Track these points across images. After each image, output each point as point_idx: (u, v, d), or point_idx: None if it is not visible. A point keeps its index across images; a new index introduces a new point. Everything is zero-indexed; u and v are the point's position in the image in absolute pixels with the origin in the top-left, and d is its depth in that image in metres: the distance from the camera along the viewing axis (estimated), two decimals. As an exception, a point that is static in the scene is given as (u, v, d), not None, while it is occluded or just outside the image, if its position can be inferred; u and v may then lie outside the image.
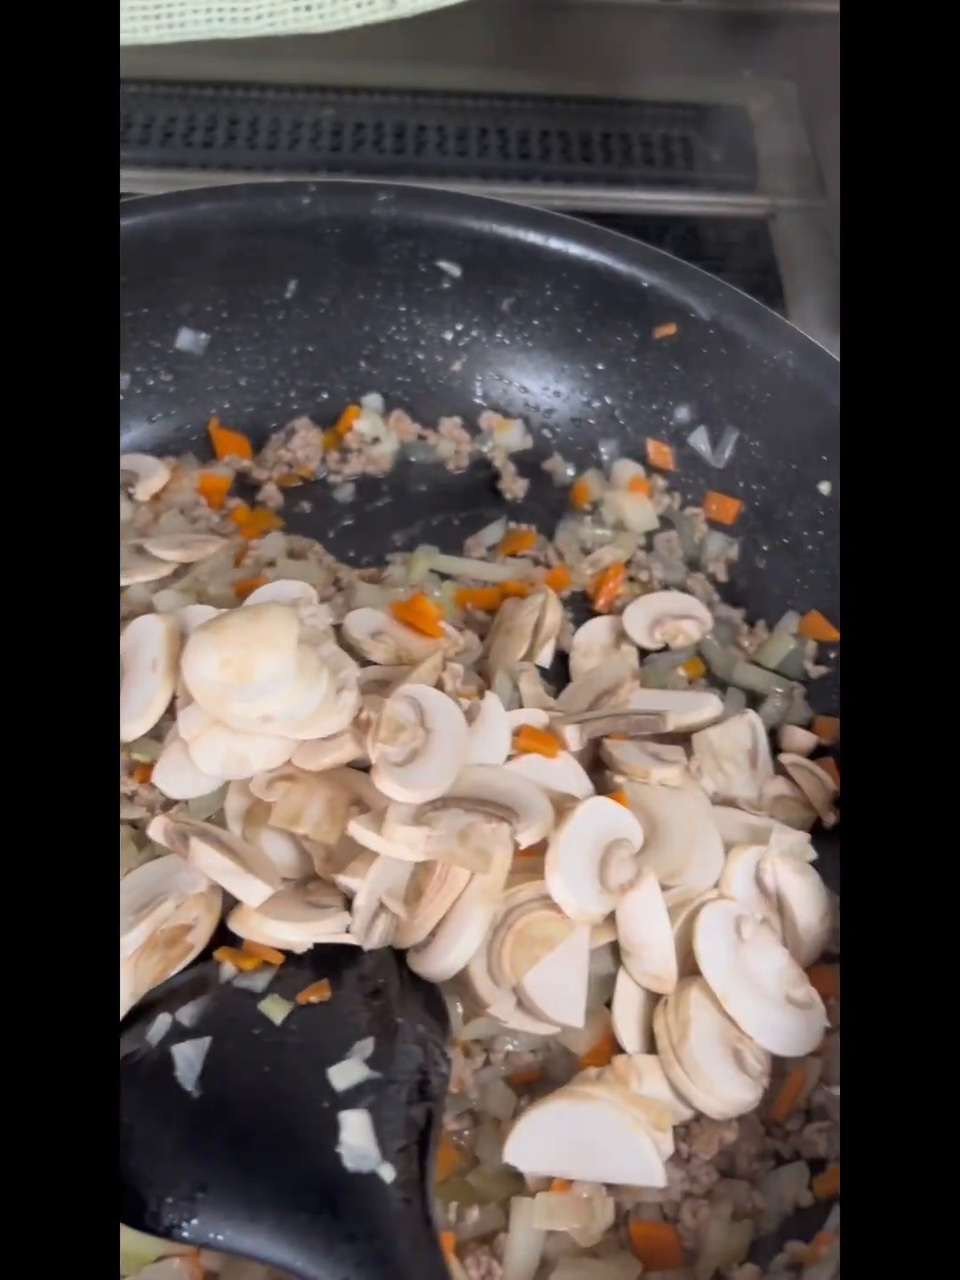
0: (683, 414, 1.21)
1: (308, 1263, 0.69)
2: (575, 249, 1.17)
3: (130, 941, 0.81)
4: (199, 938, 0.85)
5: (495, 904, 0.84)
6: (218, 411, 1.27)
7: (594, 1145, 0.82)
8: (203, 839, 0.84)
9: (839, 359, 1.08)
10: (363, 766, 0.90)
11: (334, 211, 1.19)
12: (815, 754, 1.07)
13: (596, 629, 1.14)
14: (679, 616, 1.14)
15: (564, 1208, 0.81)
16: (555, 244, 1.17)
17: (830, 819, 1.02)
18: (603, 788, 0.96)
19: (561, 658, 1.12)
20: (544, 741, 0.94)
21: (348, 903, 0.85)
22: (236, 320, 1.25)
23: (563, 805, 0.89)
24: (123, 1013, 0.81)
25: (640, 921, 0.87)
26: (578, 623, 1.15)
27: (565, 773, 0.94)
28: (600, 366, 1.24)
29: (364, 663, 0.97)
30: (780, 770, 1.05)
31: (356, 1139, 0.72)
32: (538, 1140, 0.83)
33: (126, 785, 0.91)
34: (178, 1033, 0.78)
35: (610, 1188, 0.83)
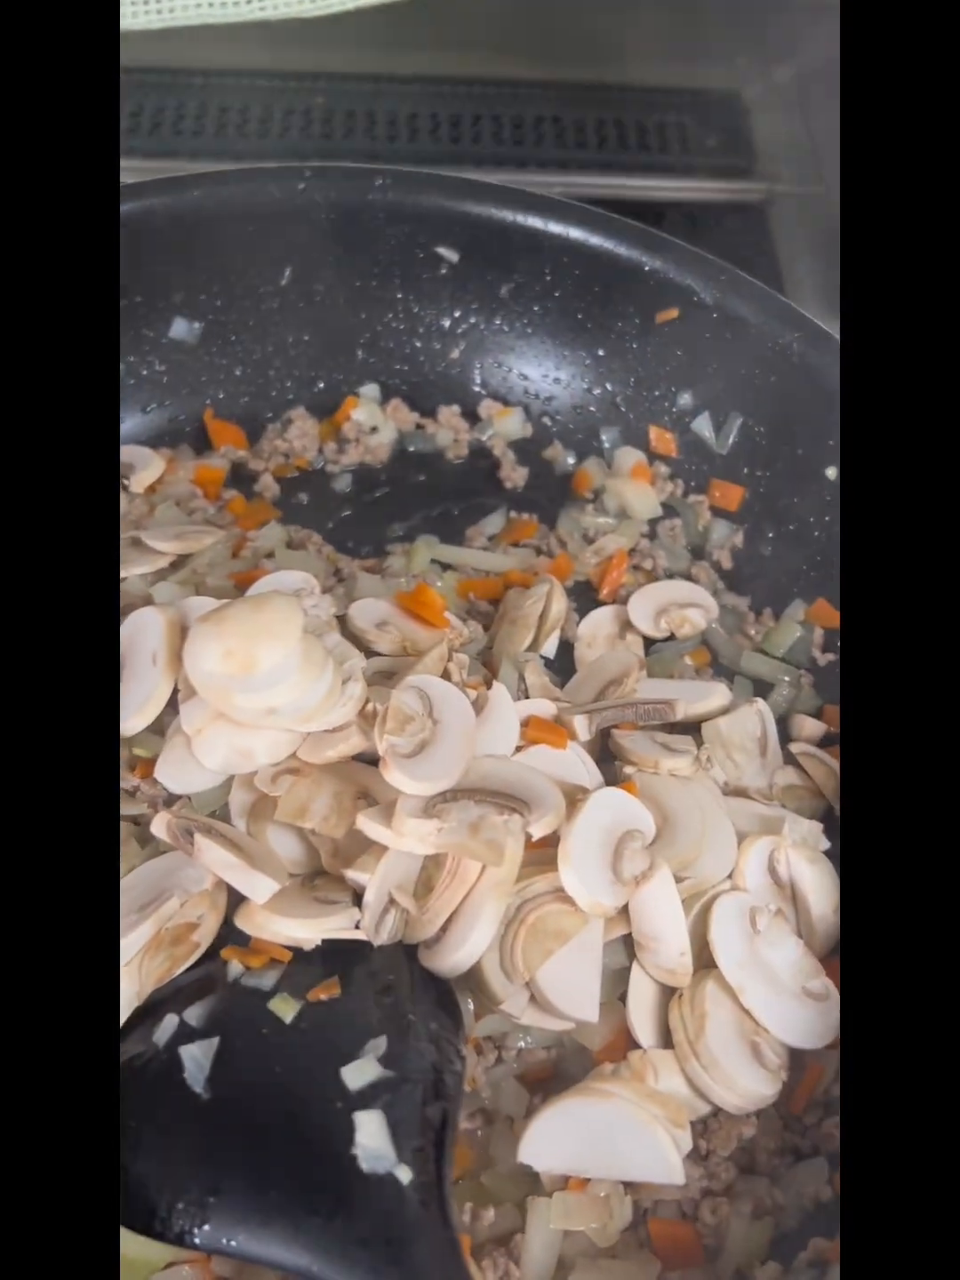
0: (686, 400, 1.19)
1: (324, 1268, 0.67)
2: (576, 233, 1.15)
3: (134, 940, 0.79)
4: (204, 936, 0.83)
5: (507, 897, 0.83)
6: (212, 402, 1.25)
7: (611, 1143, 0.80)
8: (207, 835, 0.82)
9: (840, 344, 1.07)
10: (369, 759, 0.88)
11: (330, 197, 1.17)
12: (824, 742, 1.06)
13: (601, 618, 1.13)
14: (684, 605, 1.12)
15: (581, 1207, 0.80)
16: (556, 228, 1.16)
17: (842, 808, 1.01)
18: (612, 778, 0.94)
19: (566, 648, 1.11)
20: (553, 732, 0.92)
21: (356, 898, 0.83)
22: (231, 309, 1.23)
23: (573, 796, 0.88)
24: (127, 1014, 0.79)
25: (654, 914, 0.85)
26: (582, 612, 1.13)
27: (574, 763, 0.92)
28: (601, 352, 1.22)
29: (369, 653, 0.95)
30: (790, 759, 1.04)
31: (372, 1140, 0.70)
32: (553, 1139, 0.81)
33: (127, 781, 0.89)
34: (185, 1033, 0.76)
35: (628, 1186, 0.81)
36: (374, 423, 1.25)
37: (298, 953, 0.81)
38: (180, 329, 1.22)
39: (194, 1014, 0.78)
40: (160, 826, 0.84)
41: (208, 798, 0.89)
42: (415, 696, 0.87)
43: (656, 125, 1.65)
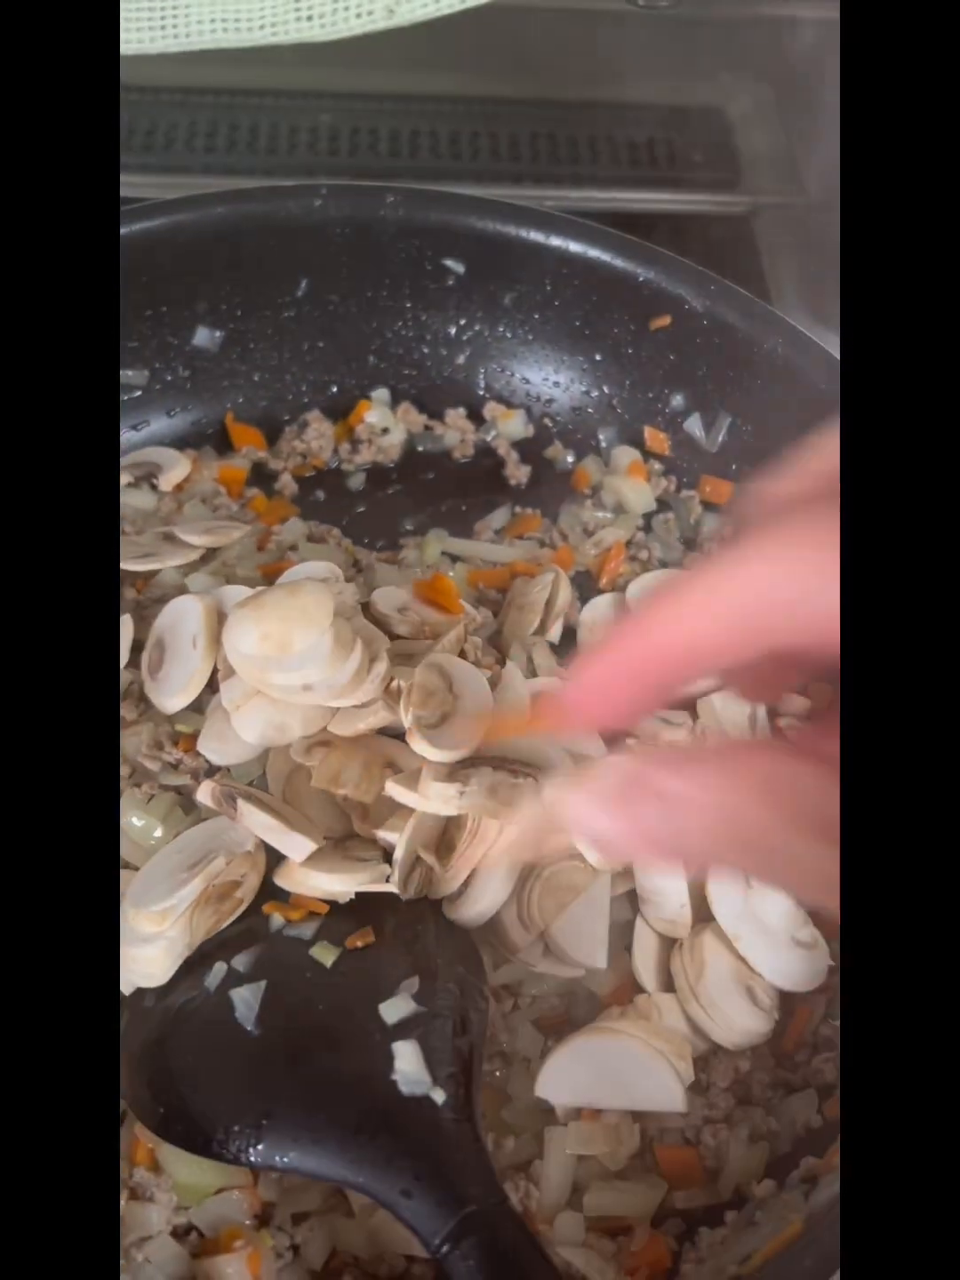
0: (678, 401, 1.28)
1: (369, 1178, 0.75)
2: (575, 246, 1.23)
3: (185, 896, 0.86)
4: (247, 892, 0.91)
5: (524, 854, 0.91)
6: (233, 405, 1.33)
7: (620, 1076, 0.88)
8: (248, 800, 0.90)
9: (839, 356, 1.15)
10: (391, 733, 0.96)
11: (344, 213, 1.25)
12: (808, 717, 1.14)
13: (602, 605, 1.20)
14: (679, 592, 1.20)
15: (594, 1134, 0.88)
16: (556, 242, 1.23)
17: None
18: (613, 748, 1.02)
19: (569, 632, 1.18)
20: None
21: (385, 856, 0.91)
22: (250, 318, 1.30)
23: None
24: (179, 963, 0.87)
25: (657, 870, 0.94)
26: (583, 599, 1.21)
27: (581, 736, 1.00)
28: (598, 357, 1.31)
29: (391, 636, 1.03)
30: (777, 733, 1.12)
31: (409, 1066, 0.78)
32: (567, 1074, 0.89)
33: (171, 754, 0.97)
34: (234, 978, 0.84)
35: (636, 1115, 0.89)
36: (385, 424, 1.33)
37: (334, 906, 0.89)
38: (203, 337, 1.30)
39: (241, 961, 0.85)
40: (206, 794, 0.91)
41: (246, 768, 0.96)
42: (437, 674, 0.95)
43: (645, 141, 1.74)
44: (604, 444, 1.32)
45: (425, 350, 1.35)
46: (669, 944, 0.95)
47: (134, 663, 1.03)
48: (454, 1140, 0.76)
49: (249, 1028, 0.81)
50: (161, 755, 0.96)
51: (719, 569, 0.55)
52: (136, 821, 0.94)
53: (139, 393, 1.29)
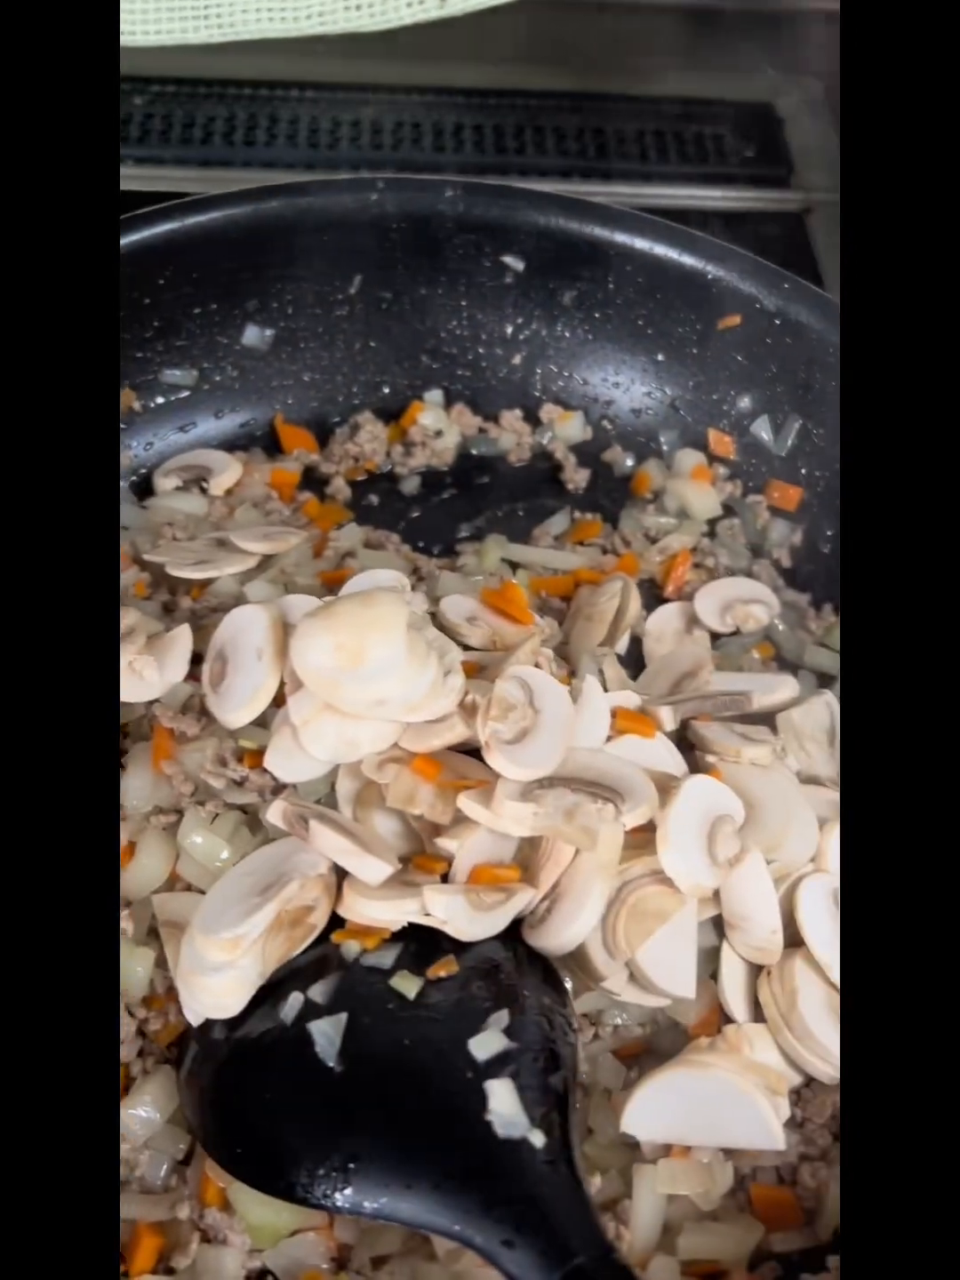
0: (745, 403, 1.24)
1: (466, 1226, 0.70)
2: (641, 243, 1.19)
3: (258, 921, 0.82)
4: (320, 918, 0.86)
5: (612, 881, 0.87)
6: (282, 406, 1.29)
7: (712, 1111, 0.84)
8: (321, 821, 0.86)
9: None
10: (463, 749, 0.92)
11: (401, 207, 1.21)
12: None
13: (668, 614, 1.17)
14: (748, 601, 1.17)
15: (686, 1173, 0.83)
16: (622, 238, 1.20)
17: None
18: (693, 767, 0.98)
19: (633, 643, 1.14)
20: (640, 723, 0.96)
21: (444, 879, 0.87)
22: (301, 316, 1.26)
23: (664, 784, 0.92)
24: (251, 992, 0.83)
25: (746, 895, 0.89)
26: (647, 609, 1.17)
27: (662, 753, 0.96)
28: (661, 358, 1.27)
29: (463, 647, 0.99)
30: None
31: (505, 1107, 0.74)
32: (655, 1109, 0.85)
33: (236, 771, 0.92)
34: (312, 1010, 0.80)
35: (728, 1153, 0.85)
36: (439, 426, 1.29)
37: (414, 932, 0.85)
38: (252, 336, 1.26)
39: (318, 992, 0.81)
40: (276, 814, 0.87)
41: (313, 786, 0.92)
42: (517, 686, 0.91)
43: (694, 136, 1.70)
44: (665, 447, 1.28)
45: (480, 350, 1.31)
46: (757, 971, 0.91)
47: (194, 675, 0.99)
48: (555, 1186, 0.72)
49: (330, 1063, 0.77)
50: (226, 772, 0.92)
51: None
52: (199, 840, 0.90)
53: (187, 393, 1.25)
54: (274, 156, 1.60)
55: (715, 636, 1.16)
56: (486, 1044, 0.77)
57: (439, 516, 1.25)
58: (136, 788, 0.94)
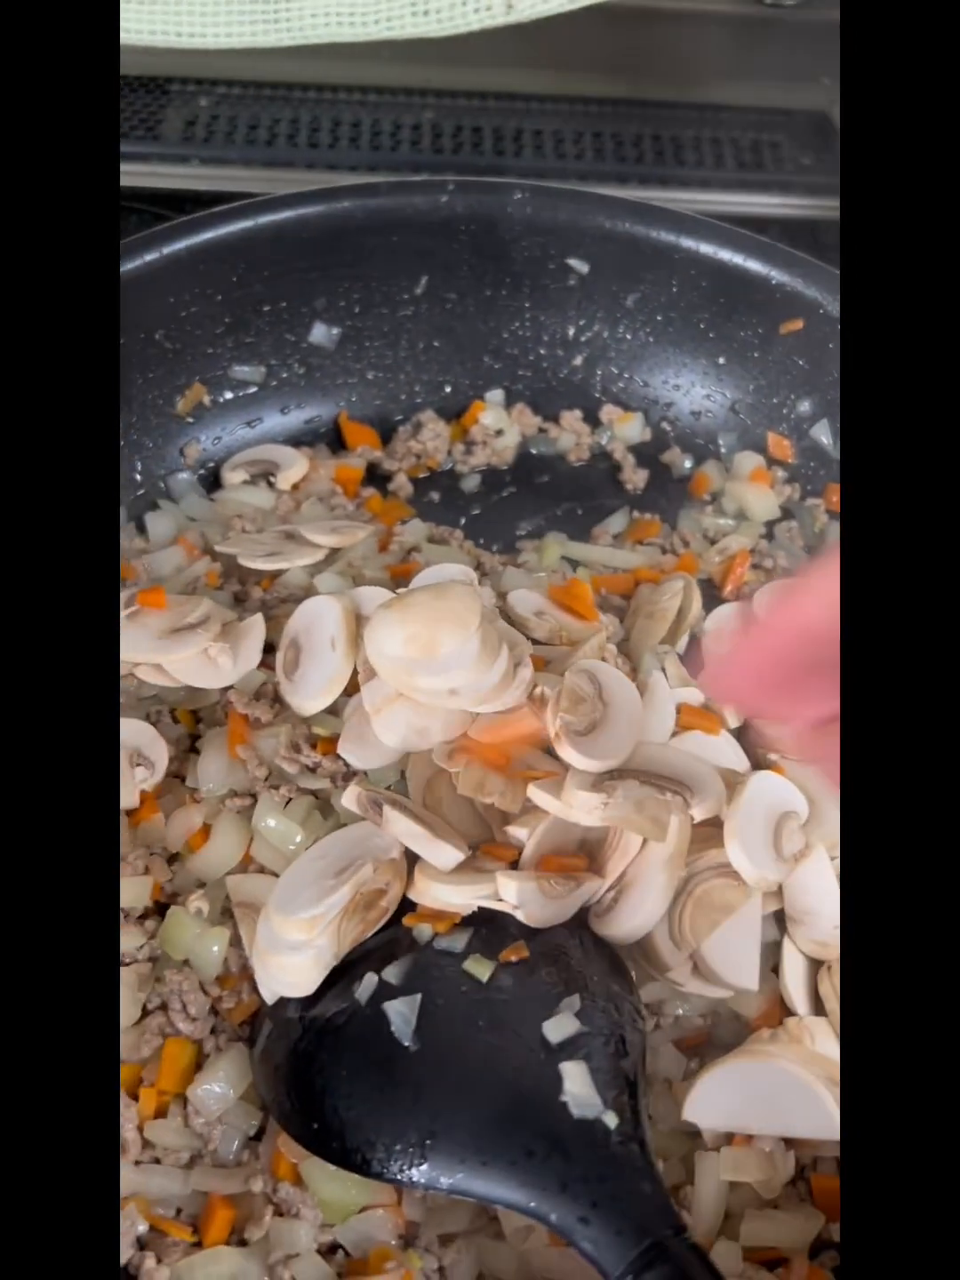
0: (805, 407, 1.25)
1: (542, 1203, 0.72)
2: (706, 247, 1.21)
3: (335, 902, 0.84)
4: (391, 902, 0.88)
5: (680, 871, 0.88)
6: (346, 404, 1.31)
7: (773, 1101, 0.85)
8: (394, 807, 0.88)
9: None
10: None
11: (470, 209, 1.23)
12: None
13: (727, 614, 1.18)
14: (806, 602, 1.17)
15: (748, 1161, 0.84)
16: (687, 243, 1.21)
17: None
18: (756, 764, 0.99)
19: (692, 642, 1.16)
20: (706, 719, 0.98)
21: (513, 865, 0.89)
22: (367, 315, 1.29)
23: (730, 780, 0.93)
24: (326, 971, 0.84)
25: (809, 890, 0.91)
26: (707, 608, 1.18)
27: (726, 749, 0.97)
28: (722, 361, 1.28)
29: (532, 641, 1.00)
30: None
31: (580, 1088, 0.75)
32: (717, 1097, 0.86)
33: (309, 757, 0.94)
34: (387, 991, 0.82)
35: (789, 1143, 0.86)
36: (500, 426, 1.31)
37: (480, 918, 0.87)
38: (319, 334, 1.28)
39: (392, 973, 0.83)
40: (351, 799, 0.89)
41: (382, 773, 0.94)
42: (587, 679, 0.93)
43: (751, 143, 1.71)
44: (724, 450, 1.30)
45: (542, 351, 1.32)
46: (817, 966, 0.92)
47: (267, 663, 1.01)
48: (629, 1166, 0.73)
49: (406, 1042, 0.78)
50: (299, 758, 0.94)
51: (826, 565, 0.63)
52: (273, 823, 0.92)
53: (255, 389, 1.27)
54: (336, 158, 1.62)
55: (773, 637, 1.17)
56: (560, 1027, 0.78)
57: (498, 514, 1.27)
58: (212, 771, 0.96)
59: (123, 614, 0.99)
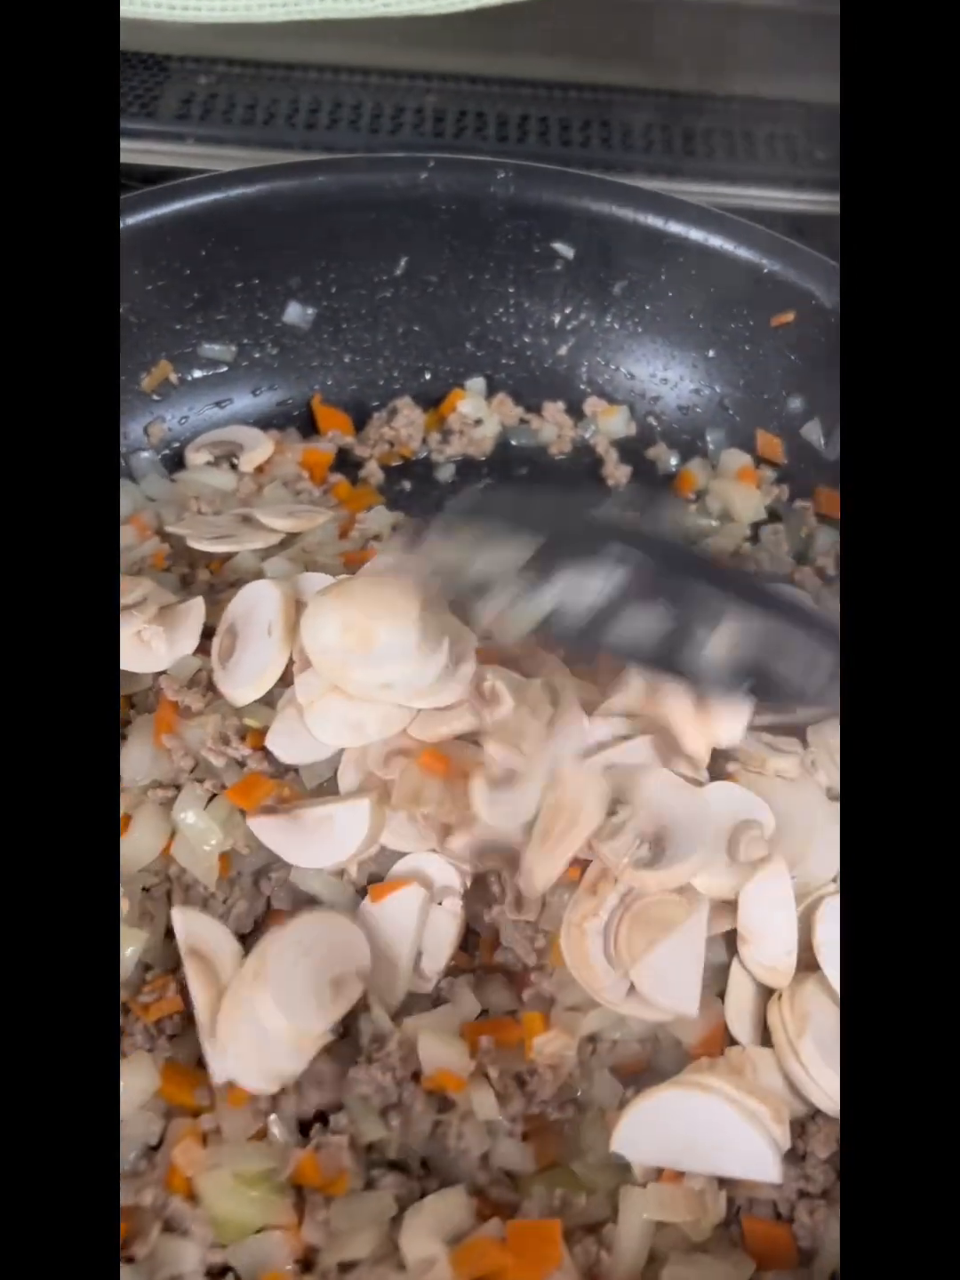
0: (796, 404, 1.19)
1: None
2: (696, 234, 1.16)
3: (333, 1018, 0.80)
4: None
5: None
6: (321, 387, 1.27)
7: (707, 1137, 0.79)
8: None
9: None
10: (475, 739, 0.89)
11: (451, 188, 1.19)
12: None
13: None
14: (788, 609, 1.12)
15: (675, 1200, 0.79)
16: (675, 228, 1.16)
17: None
18: (718, 775, 0.94)
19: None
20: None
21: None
22: (344, 296, 1.24)
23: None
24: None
25: (763, 907, 0.85)
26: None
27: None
28: (712, 353, 1.22)
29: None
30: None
31: None
32: (648, 1130, 0.80)
33: (239, 751, 0.90)
34: None
35: (722, 1182, 0.80)
36: (479, 415, 1.26)
37: None
38: (294, 314, 1.24)
39: None
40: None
41: (316, 769, 0.89)
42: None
43: (764, 136, 1.65)
44: (712, 447, 1.24)
45: (525, 339, 1.27)
46: (768, 993, 0.86)
47: (204, 649, 0.96)
48: None
49: None
50: (227, 750, 0.89)
51: None
52: (192, 819, 0.87)
53: (225, 369, 1.23)
54: (335, 141, 1.58)
55: (750, 644, 1.11)
56: None
57: (473, 506, 1.22)
58: (137, 760, 0.91)
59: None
